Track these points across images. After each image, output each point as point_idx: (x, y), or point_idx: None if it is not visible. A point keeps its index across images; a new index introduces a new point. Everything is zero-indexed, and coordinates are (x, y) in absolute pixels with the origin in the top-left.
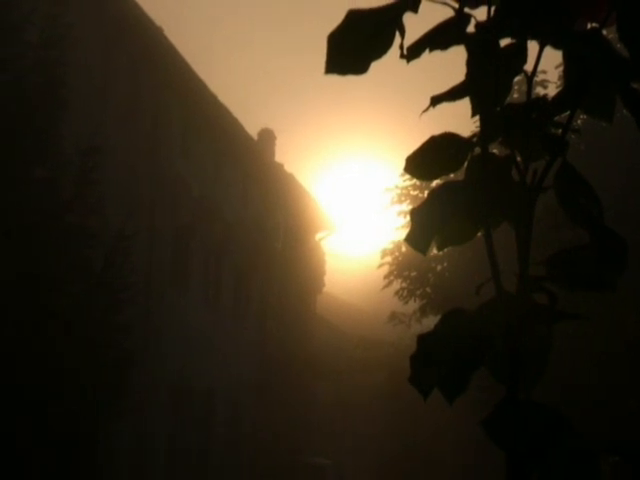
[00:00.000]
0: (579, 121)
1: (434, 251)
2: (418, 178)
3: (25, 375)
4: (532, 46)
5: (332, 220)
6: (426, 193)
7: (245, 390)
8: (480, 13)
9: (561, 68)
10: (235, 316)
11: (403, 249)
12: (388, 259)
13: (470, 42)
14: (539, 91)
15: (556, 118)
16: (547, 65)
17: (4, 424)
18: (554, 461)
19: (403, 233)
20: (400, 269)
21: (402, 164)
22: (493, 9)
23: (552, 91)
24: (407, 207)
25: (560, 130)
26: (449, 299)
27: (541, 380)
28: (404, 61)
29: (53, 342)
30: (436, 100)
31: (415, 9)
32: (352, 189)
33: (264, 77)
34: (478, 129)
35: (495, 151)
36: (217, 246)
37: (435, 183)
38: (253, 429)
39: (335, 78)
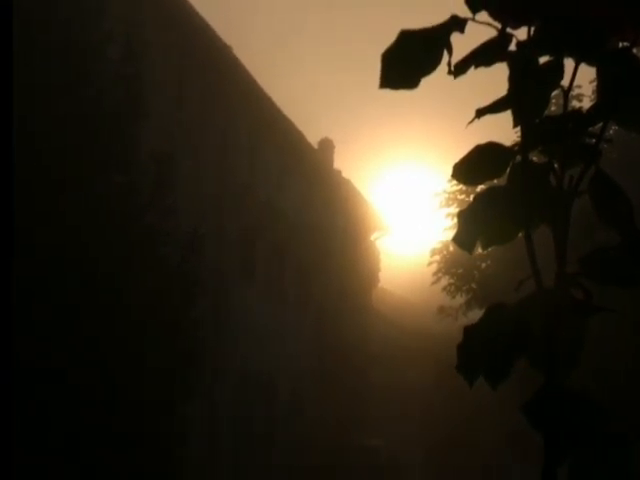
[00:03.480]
0: (611, 131)
1: (479, 250)
2: (464, 183)
3: (118, 367)
4: (568, 63)
5: (386, 222)
6: (472, 197)
7: (305, 377)
8: (521, 33)
9: (595, 83)
10: (297, 309)
11: (451, 248)
12: (437, 257)
13: (512, 59)
14: (574, 104)
15: (590, 129)
16: (582, 80)
17: (99, 412)
18: (588, 444)
19: (451, 234)
20: (448, 267)
21: (450, 171)
22: (533, 29)
23: (586, 104)
24: (454, 210)
25: (594, 140)
26: (492, 294)
27: (576, 369)
28: (452, 76)
29: (140, 339)
30: (481, 112)
31: (462, 29)
32: (404, 194)
33: (324, 92)
34: (519, 139)
35: (534, 159)
36: (281, 245)
37: (480, 188)
38: (312, 413)
39: (388, 92)
